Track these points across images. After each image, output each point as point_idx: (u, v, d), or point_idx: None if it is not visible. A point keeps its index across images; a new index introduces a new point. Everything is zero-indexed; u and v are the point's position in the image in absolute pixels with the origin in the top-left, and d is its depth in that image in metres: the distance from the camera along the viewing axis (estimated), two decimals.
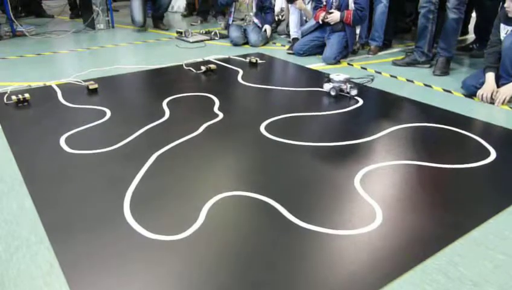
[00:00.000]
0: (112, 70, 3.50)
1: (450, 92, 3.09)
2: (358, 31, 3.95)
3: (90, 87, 2.97)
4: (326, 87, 2.96)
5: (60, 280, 1.31)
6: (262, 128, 2.40)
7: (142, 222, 1.57)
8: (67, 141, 2.21)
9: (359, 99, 2.88)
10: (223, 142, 2.25)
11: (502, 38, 2.89)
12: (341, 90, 2.93)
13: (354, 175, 1.91)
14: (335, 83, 2.92)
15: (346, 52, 3.92)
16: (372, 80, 3.18)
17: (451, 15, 3.38)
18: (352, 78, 3.03)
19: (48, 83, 3.14)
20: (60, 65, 3.76)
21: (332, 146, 2.20)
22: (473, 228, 1.57)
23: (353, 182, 1.86)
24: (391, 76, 3.45)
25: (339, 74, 2.95)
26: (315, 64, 3.79)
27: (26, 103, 2.72)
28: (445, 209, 1.68)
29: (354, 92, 2.90)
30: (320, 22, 3.93)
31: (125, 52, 4.22)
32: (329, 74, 2.97)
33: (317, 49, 4.04)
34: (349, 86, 2.90)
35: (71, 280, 1.30)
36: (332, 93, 2.92)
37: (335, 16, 3.80)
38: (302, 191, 1.79)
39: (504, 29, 2.89)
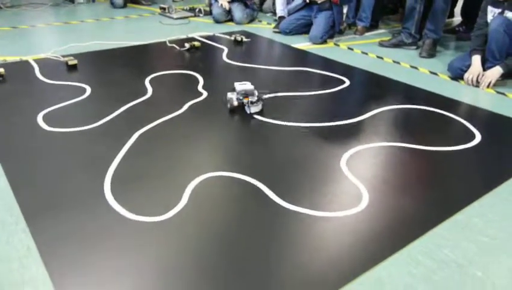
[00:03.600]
0: (92, 46, 3.38)
1: (436, 74, 3.08)
2: (345, 10, 3.89)
3: (70, 62, 2.87)
4: (228, 96, 2.32)
5: (37, 262, 1.27)
6: (247, 107, 2.35)
7: (123, 202, 1.52)
8: (45, 119, 2.13)
9: (345, 79, 2.84)
10: (207, 121, 2.20)
11: (488, 20, 2.87)
12: (242, 104, 2.30)
13: (340, 156, 1.89)
14: (237, 94, 2.31)
15: (333, 31, 3.86)
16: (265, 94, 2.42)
17: None
18: (259, 91, 2.34)
19: (24, 58, 3.01)
20: (37, 39, 3.61)
21: (318, 127, 2.17)
22: (457, 211, 1.57)
23: (339, 164, 1.83)
24: (377, 57, 3.42)
25: (245, 83, 2.34)
26: (301, 43, 3.73)
27: (1, 78, 2.61)
28: (430, 192, 1.68)
29: (254, 108, 2.28)
30: (307, 1, 3.86)
31: (106, 28, 4.08)
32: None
33: (303, 28, 3.97)
34: (249, 100, 2.27)
35: (48, 262, 1.26)
36: (228, 105, 2.31)
37: None
38: (287, 172, 1.76)
39: (491, 12, 2.87)
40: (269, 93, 2.44)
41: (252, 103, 2.27)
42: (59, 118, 2.15)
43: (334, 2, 3.73)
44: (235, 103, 2.28)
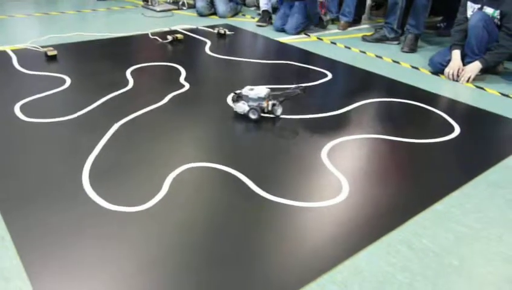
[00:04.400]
0: (73, 37, 3.32)
1: (417, 68, 3.11)
2: None
3: (49, 53, 2.81)
4: (241, 108, 2.12)
5: (11, 253, 1.24)
6: (229, 99, 2.34)
7: (102, 192, 1.50)
8: (23, 109, 2.09)
9: (328, 73, 2.85)
10: (188, 113, 2.18)
11: (468, 16, 2.91)
12: (262, 110, 2.12)
13: (321, 148, 1.90)
14: (252, 101, 2.10)
15: (309, 23, 3.90)
16: (304, 91, 2.13)
17: None
18: (274, 92, 2.17)
19: (1, 48, 2.94)
20: (15, 30, 3.53)
21: (300, 119, 2.17)
22: (436, 201, 1.58)
23: (320, 155, 1.84)
24: (360, 51, 3.44)
25: (253, 88, 2.11)
26: (284, 37, 3.72)
27: None
28: (409, 183, 1.69)
29: (279, 110, 2.15)
30: None
31: (87, 19, 4.02)
32: (240, 92, 2.14)
33: None
34: (271, 103, 2.13)
35: (23, 253, 1.23)
36: (253, 116, 2.09)
37: None
38: (268, 163, 1.76)
39: (471, 8, 2.90)
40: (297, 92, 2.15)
41: (274, 105, 2.13)
42: (37, 108, 2.11)
43: None
44: (254, 116, 2.09)
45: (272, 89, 2.21)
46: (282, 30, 3.91)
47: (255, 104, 2.10)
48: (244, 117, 2.14)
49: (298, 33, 3.80)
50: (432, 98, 2.56)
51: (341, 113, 2.27)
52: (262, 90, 2.09)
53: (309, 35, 3.80)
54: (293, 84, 2.21)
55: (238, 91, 2.15)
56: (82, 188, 1.52)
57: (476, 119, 2.33)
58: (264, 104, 2.10)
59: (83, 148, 1.78)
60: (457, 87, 2.79)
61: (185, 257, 1.25)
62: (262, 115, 2.13)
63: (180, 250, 1.28)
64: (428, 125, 2.20)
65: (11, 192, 1.49)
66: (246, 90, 2.10)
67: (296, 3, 3.81)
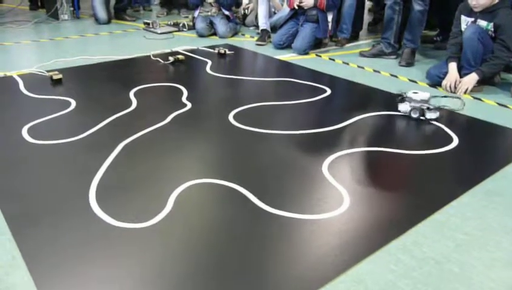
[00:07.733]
0: (77, 61, 3.40)
1: (415, 81, 3.17)
2: (330, 18, 3.95)
3: (54, 77, 2.88)
4: (403, 108, 2.46)
5: (22, 270, 1.27)
6: (230, 117, 2.39)
7: (108, 210, 1.54)
8: (30, 132, 2.14)
9: (327, 88, 2.91)
10: (191, 131, 2.23)
11: (462, 29, 2.97)
12: (422, 111, 2.40)
13: (322, 162, 1.93)
14: (414, 102, 2.42)
15: (319, 40, 3.95)
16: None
17: (417, 7, 3.45)
18: (434, 96, 2.50)
19: (8, 73, 3.02)
20: (21, 55, 3.62)
21: (301, 134, 2.22)
22: (436, 210, 1.61)
23: (321, 169, 1.88)
24: (358, 66, 3.51)
25: (417, 92, 2.45)
26: (283, 55, 3.80)
27: None
28: (409, 193, 1.72)
29: (431, 114, 2.40)
30: (296, 7, 3.92)
31: (91, 43, 4.11)
32: (404, 92, 2.50)
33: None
34: (426, 106, 2.41)
35: (34, 271, 1.26)
36: (414, 115, 2.40)
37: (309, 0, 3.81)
38: (270, 178, 1.80)
39: (465, 21, 2.97)
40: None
41: (429, 109, 2.40)
42: (44, 130, 2.16)
43: (320, 8, 3.80)
44: (415, 115, 2.41)
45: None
46: (281, 47, 3.99)
47: (417, 105, 2.41)
48: (246, 134, 2.19)
49: (306, 53, 3.86)
50: None
51: (341, 128, 2.31)
52: (425, 94, 2.42)
53: (308, 53, 3.87)
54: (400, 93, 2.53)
55: (403, 93, 2.51)
56: (89, 206, 1.56)
57: (474, 129, 2.37)
58: (426, 106, 2.40)
59: (89, 167, 1.82)
60: (455, 99, 2.83)
61: (189, 271, 1.29)
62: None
63: (186, 264, 1.31)
64: (427, 137, 2.24)
65: (21, 212, 1.53)
66: (410, 93, 2.44)
67: (309, 23, 3.88)
